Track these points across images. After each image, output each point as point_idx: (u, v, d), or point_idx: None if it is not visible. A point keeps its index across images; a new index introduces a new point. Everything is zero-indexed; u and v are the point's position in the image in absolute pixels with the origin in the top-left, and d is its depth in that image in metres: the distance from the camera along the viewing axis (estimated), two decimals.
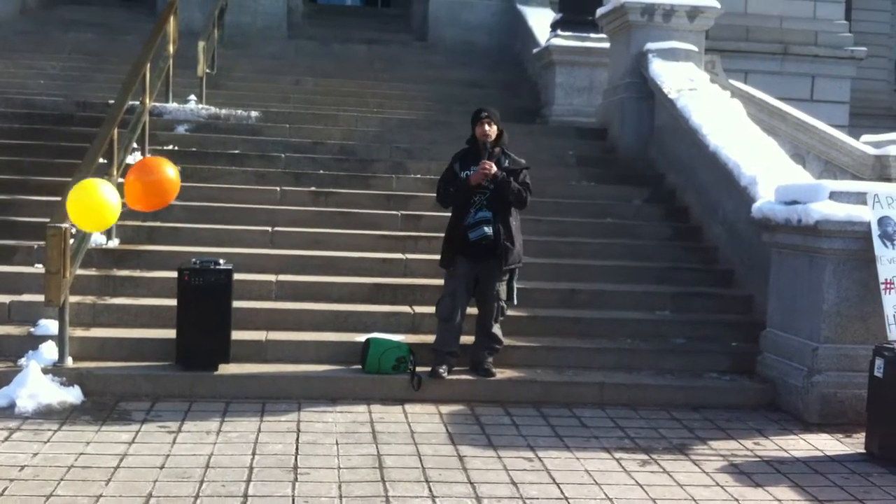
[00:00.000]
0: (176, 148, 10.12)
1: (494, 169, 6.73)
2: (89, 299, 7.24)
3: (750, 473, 5.51)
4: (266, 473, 5.10)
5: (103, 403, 6.20)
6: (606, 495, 5.05)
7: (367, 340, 6.86)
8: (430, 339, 6.97)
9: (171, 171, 6.75)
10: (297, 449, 5.52)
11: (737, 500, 5.09)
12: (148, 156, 6.80)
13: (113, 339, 6.82)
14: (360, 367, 6.79)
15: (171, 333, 6.68)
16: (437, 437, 5.89)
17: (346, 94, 13.47)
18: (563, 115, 12.72)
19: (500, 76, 15.04)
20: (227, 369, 6.63)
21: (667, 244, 9.09)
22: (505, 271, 6.86)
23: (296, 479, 5.03)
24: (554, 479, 5.24)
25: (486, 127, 6.85)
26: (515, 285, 6.97)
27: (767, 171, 8.09)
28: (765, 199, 7.57)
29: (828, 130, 11.33)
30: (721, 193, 8.79)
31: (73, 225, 6.58)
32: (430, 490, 4.98)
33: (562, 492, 5.06)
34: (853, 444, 6.16)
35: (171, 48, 10.85)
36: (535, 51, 14.00)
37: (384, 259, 8.26)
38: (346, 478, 5.10)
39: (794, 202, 6.97)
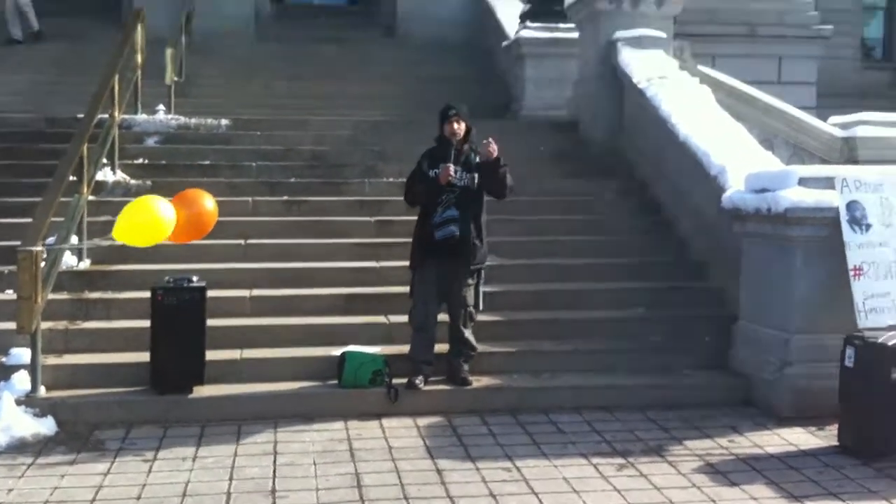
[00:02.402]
0: (146, 161, 10.08)
1: (495, 151, 6.72)
2: (61, 324, 7.20)
3: (726, 472, 5.56)
4: (244, 499, 5.11)
5: (77, 433, 6.16)
6: (584, 503, 5.07)
7: (343, 354, 6.86)
8: (406, 348, 6.97)
9: (209, 203, 6.72)
10: (274, 471, 5.53)
11: (713, 500, 5.15)
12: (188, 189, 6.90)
13: (86, 366, 6.79)
14: (336, 381, 6.79)
15: (144, 357, 6.66)
16: (415, 451, 5.91)
17: (316, 97, 13.41)
18: (534, 108, 12.65)
19: (472, 70, 14.98)
20: (201, 391, 6.62)
21: (640, 238, 9.07)
22: (472, 271, 6.87)
23: (274, 503, 5.03)
24: (532, 489, 5.28)
25: (455, 125, 6.87)
26: (482, 290, 6.98)
27: (737, 159, 8.09)
28: (734, 188, 7.57)
29: (795, 114, 11.33)
30: (692, 183, 8.78)
31: (48, 247, 6.60)
32: None
33: (540, 501, 5.10)
34: (826, 436, 6.22)
35: (138, 58, 10.79)
36: (504, 44, 13.95)
37: (358, 268, 8.24)
38: (325, 499, 5.12)
39: (764, 190, 6.97)
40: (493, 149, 6.73)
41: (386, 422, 6.46)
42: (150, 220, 6.34)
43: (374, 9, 17.93)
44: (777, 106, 11.37)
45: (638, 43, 10.75)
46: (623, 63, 10.55)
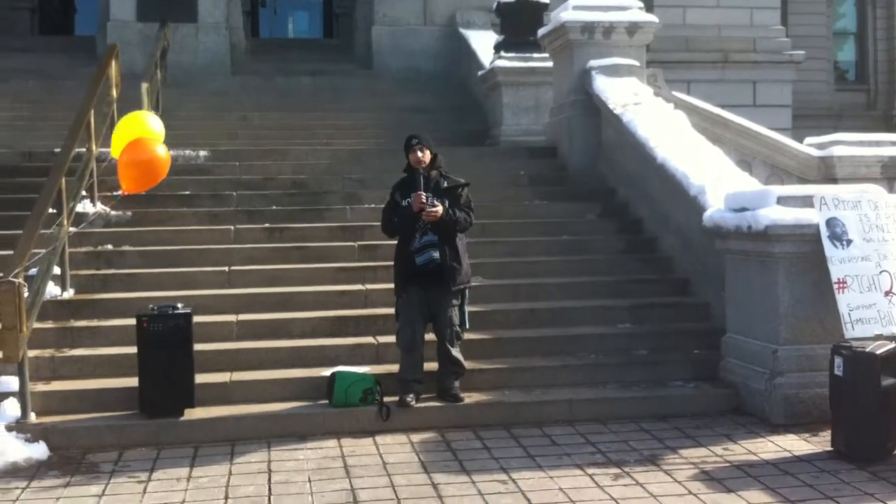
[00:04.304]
0: (125, 192, 10.02)
1: (440, 211, 6.79)
2: (48, 353, 7.15)
3: (722, 479, 5.56)
4: None
5: (70, 457, 6.09)
6: None
7: (333, 374, 6.83)
8: (396, 368, 6.96)
9: (161, 150, 7.45)
10: (269, 489, 5.48)
11: None
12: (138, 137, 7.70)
13: (75, 392, 6.74)
14: (327, 401, 6.76)
15: (133, 382, 6.61)
16: (409, 466, 5.88)
17: (294, 128, 13.46)
18: (512, 135, 12.81)
19: (448, 100, 15.12)
20: (192, 414, 6.57)
21: (622, 257, 9.17)
22: (455, 293, 6.91)
23: None
24: (529, 500, 5.27)
25: (419, 153, 6.95)
26: (467, 309, 7.04)
27: (715, 180, 8.21)
28: (715, 207, 7.66)
29: (771, 135, 11.52)
30: (672, 204, 8.89)
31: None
32: None
33: None
34: (819, 442, 6.25)
35: (114, 92, 10.76)
36: (480, 73, 14.12)
37: (344, 291, 8.24)
38: None
39: (744, 209, 7.07)
40: (436, 213, 6.77)
41: (379, 438, 6.43)
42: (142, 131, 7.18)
43: (350, 41, 18.09)
44: (752, 128, 11.54)
45: (612, 71, 10.89)
46: (598, 90, 10.68)
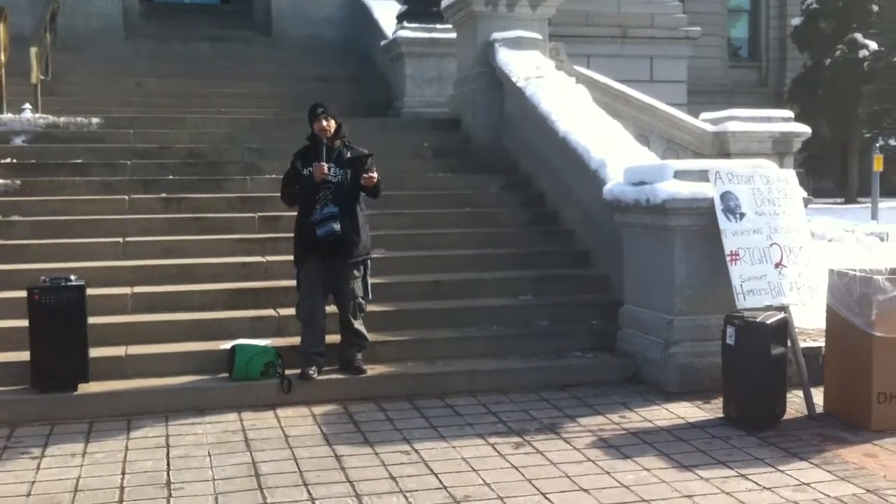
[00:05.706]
0: (14, 161, 9.67)
1: (376, 176, 6.76)
2: None
3: (618, 446, 5.70)
4: (138, 492, 4.96)
5: None
6: (484, 480, 5.13)
7: (233, 347, 6.73)
8: (298, 341, 6.90)
9: None
10: (168, 464, 5.39)
11: (607, 472, 5.25)
12: None
13: None
14: (227, 375, 6.66)
15: (25, 356, 6.40)
16: (311, 439, 5.85)
17: (191, 96, 13.13)
18: (415, 106, 12.77)
19: (349, 70, 14.98)
20: (87, 388, 6.39)
21: (525, 230, 9.26)
22: (354, 264, 6.88)
23: (170, 496, 4.91)
24: (432, 470, 5.29)
25: (324, 122, 6.90)
26: (370, 280, 7.01)
27: (615, 154, 8.33)
28: (614, 181, 7.78)
29: (668, 110, 11.75)
30: (573, 178, 9.00)
31: None
32: (309, 493, 4.95)
33: (440, 481, 5.12)
34: (712, 409, 6.45)
35: (1, 56, 10.36)
36: (382, 43, 14.01)
37: (244, 263, 8.12)
38: (222, 489, 5.01)
39: (642, 183, 7.20)
40: (373, 177, 6.77)
41: (281, 412, 6.37)
42: None
43: (248, 7, 17.71)
44: (651, 103, 11.75)
45: (515, 44, 10.95)
46: (501, 63, 10.72)
